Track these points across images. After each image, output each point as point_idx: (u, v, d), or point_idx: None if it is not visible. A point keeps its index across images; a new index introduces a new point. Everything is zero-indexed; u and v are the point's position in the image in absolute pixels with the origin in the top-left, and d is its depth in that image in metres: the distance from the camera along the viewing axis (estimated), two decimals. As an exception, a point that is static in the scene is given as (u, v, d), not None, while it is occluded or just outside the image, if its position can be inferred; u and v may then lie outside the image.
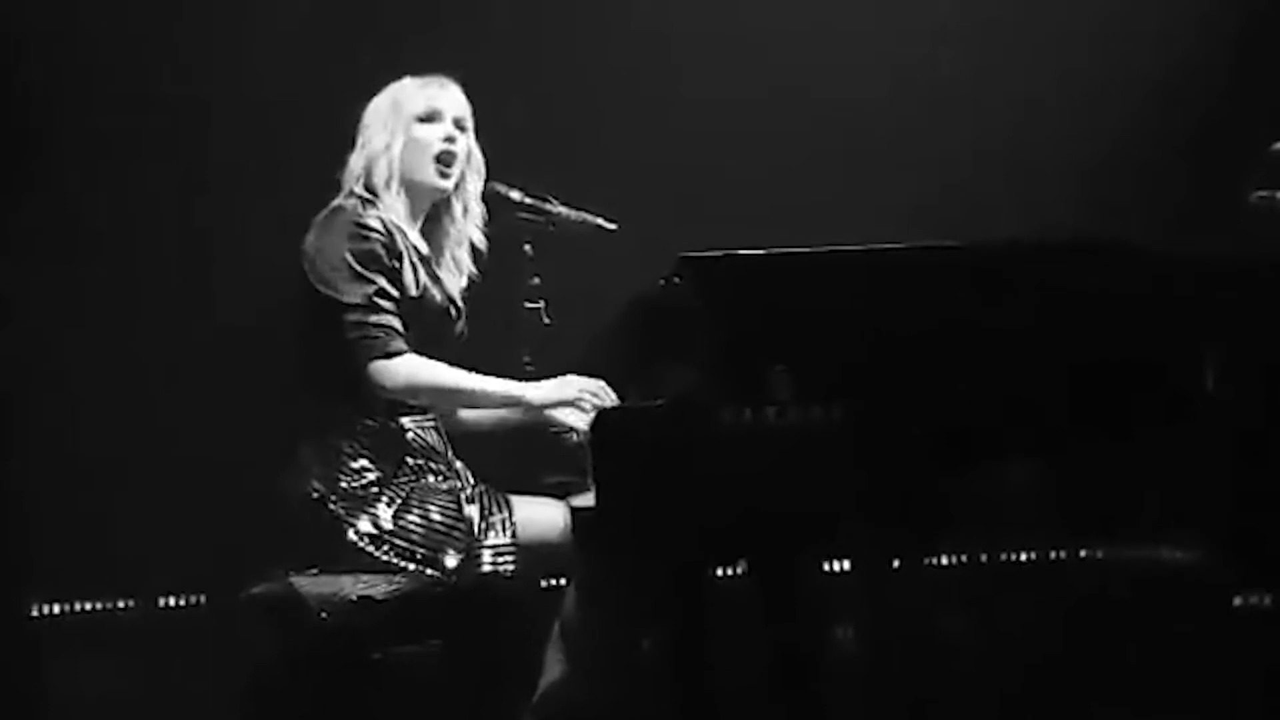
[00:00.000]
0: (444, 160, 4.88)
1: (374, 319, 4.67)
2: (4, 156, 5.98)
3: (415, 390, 4.73)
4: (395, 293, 4.72)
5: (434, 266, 4.89)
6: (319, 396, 4.78)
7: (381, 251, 4.72)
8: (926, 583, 5.19)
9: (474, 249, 4.99)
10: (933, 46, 6.47)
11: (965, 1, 6.53)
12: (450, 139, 4.88)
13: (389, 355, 4.67)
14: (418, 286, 4.78)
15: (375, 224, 4.75)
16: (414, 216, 4.90)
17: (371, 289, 4.68)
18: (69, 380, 6.06)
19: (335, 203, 4.84)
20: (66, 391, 6.05)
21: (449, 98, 4.92)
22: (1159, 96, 6.45)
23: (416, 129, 4.87)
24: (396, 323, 4.70)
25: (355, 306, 4.67)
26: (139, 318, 6.09)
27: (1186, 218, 5.97)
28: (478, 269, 4.99)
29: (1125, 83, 6.46)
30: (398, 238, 4.78)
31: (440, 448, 4.86)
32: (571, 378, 4.81)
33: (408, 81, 4.94)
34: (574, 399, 4.77)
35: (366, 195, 4.82)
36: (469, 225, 4.97)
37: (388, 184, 4.83)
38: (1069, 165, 6.38)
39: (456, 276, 4.95)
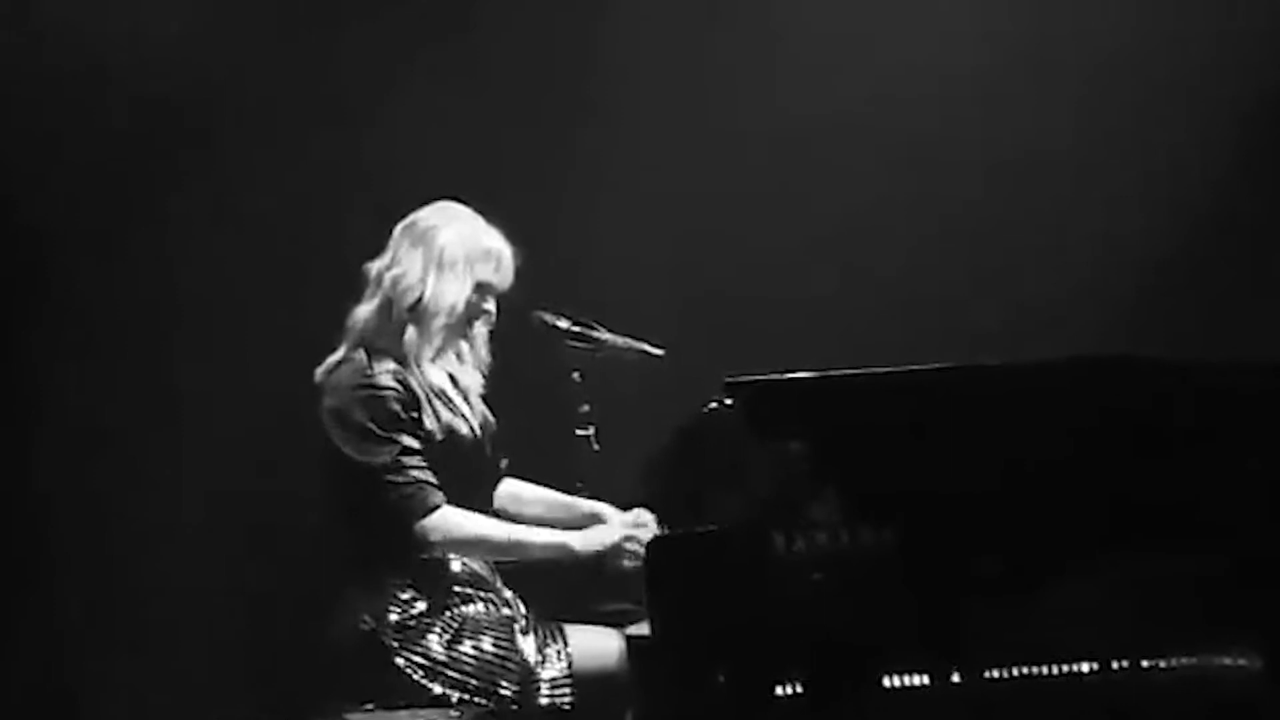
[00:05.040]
0: (486, 319, 4.88)
1: (403, 479, 4.64)
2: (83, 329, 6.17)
3: (456, 545, 4.70)
4: (418, 445, 4.68)
5: (453, 393, 4.82)
6: (362, 533, 4.75)
7: (397, 408, 4.67)
8: (985, 699, 5.15)
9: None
10: (976, 172, 6.51)
11: (1007, 126, 6.57)
12: (490, 310, 4.86)
13: (426, 513, 4.65)
14: (441, 428, 4.74)
15: (385, 380, 4.68)
16: (438, 355, 4.82)
17: (395, 449, 4.64)
18: (126, 516, 6.22)
19: (337, 356, 4.78)
20: (123, 526, 6.21)
21: (506, 271, 4.85)
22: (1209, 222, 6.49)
23: (476, 302, 4.83)
24: (427, 475, 4.67)
25: (383, 468, 4.64)
26: (195, 457, 6.24)
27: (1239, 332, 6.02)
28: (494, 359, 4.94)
29: (1177, 207, 6.50)
30: (412, 382, 4.72)
31: (488, 576, 4.83)
32: (614, 521, 4.81)
33: (477, 237, 4.84)
34: (617, 544, 4.72)
35: (373, 344, 4.74)
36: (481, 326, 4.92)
37: (431, 333, 4.78)
38: (1115, 283, 6.40)
39: (474, 372, 4.90)
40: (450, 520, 4.67)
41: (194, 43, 6.32)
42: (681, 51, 6.50)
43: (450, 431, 4.76)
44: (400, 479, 4.64)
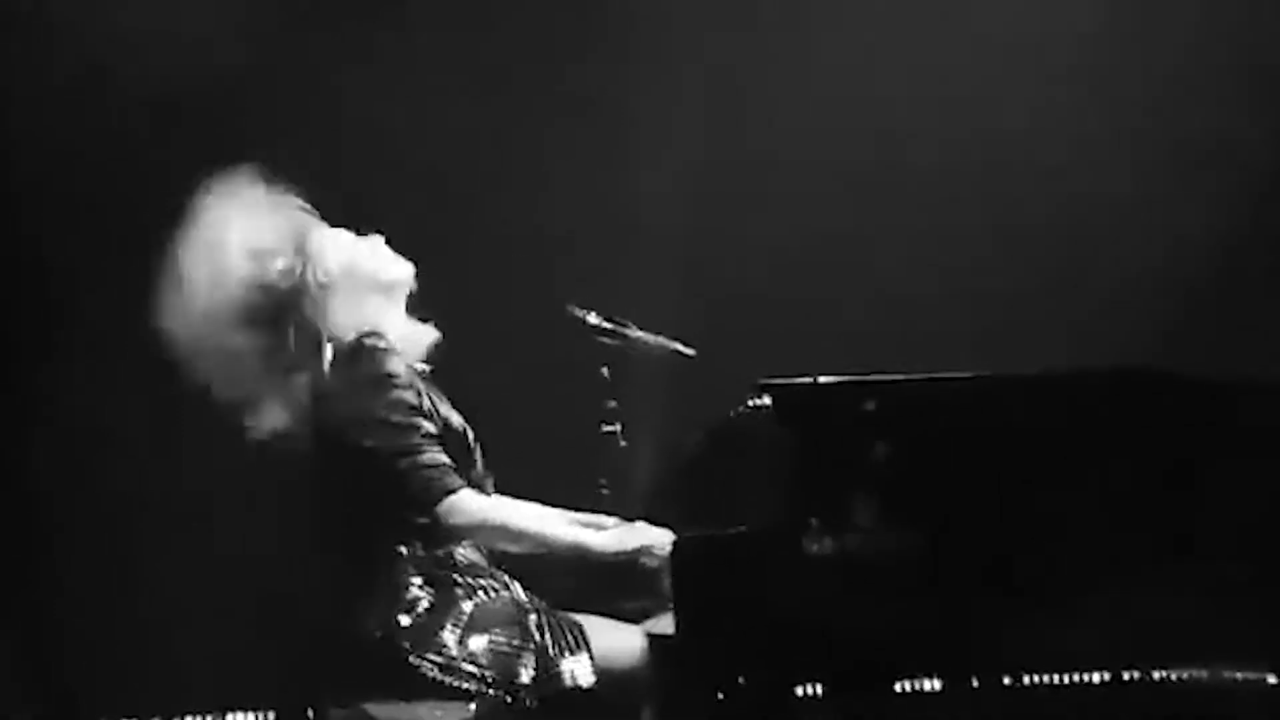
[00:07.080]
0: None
1: (424, 461, 4.63)
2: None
3: (477, 529, 4.69)
4: (434, 429, 4.69)
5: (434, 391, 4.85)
6: (374, 530, 4.72)
7: (411, 395, 4.69)
8: (1004, 704, 5.17)
9: None
10: (998, 185, 6.53)
11: (1036, 132, 6.60)
12: None
13: (447, 494, 4.63)
14: (443, 420, 4.76)
15: (397, 368, 4.72)
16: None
17: (415, 434, 4.64)
18: (126, 516, 6.23)
19: (348, 343, 4.80)
20: (123, 526, 6.22)
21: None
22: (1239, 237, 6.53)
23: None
24: (445, 458, 4.67)
25: (402, 453, 4.63)
26: (195, 457, 6.18)
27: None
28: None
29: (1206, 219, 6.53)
30: (415, 376, 4.77)
31: (485, 564, 4.79)
32: (639, 528, 4.76)
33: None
34: (639, 553, 4.68)
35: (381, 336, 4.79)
36: None
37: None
38: (1143, 295, 6.44)
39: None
40: (472, 503, 4.66)
41: (194, 43, 6.32)
42: (683, 52, 6.52)
43: (447, 419, 4.78)
44: (421, 461, 4.63)
